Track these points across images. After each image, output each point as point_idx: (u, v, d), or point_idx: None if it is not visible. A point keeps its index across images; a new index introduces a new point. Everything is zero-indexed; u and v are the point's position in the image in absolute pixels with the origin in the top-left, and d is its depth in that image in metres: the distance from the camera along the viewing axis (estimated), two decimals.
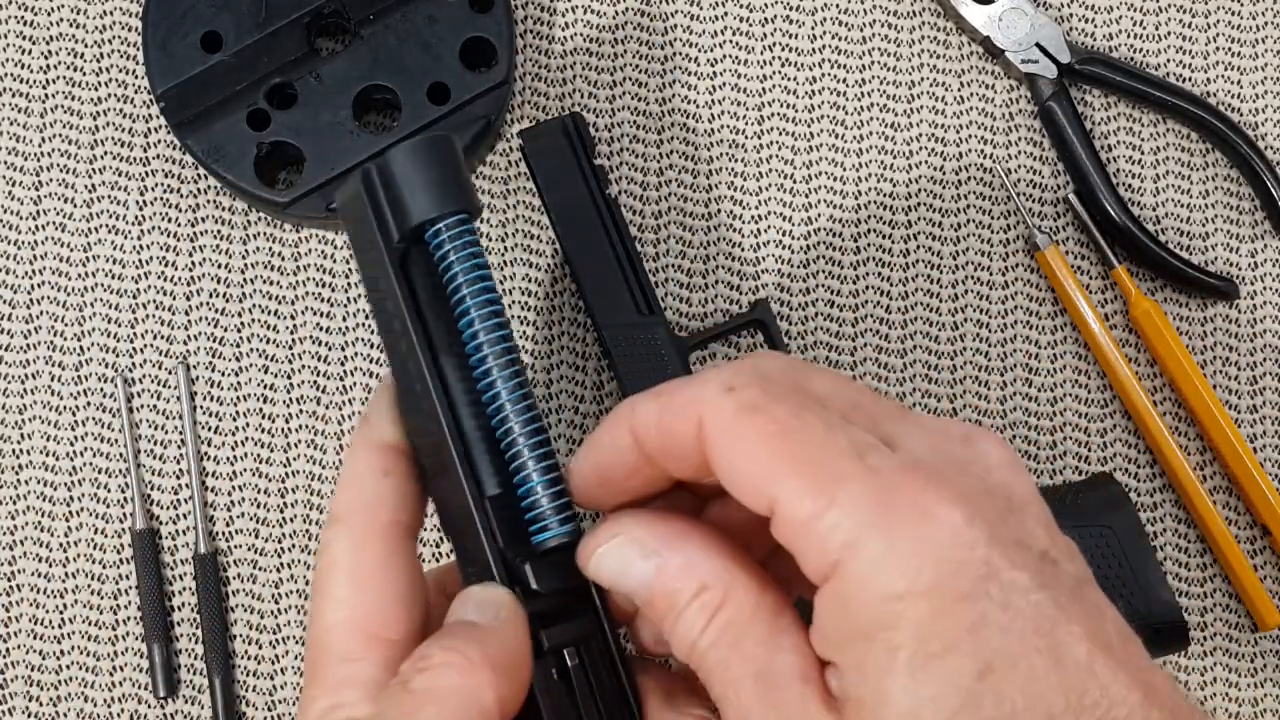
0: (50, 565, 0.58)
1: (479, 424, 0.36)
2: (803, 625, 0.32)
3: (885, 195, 0.61)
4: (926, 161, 0.61)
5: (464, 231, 0.36)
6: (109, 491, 0.58)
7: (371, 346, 0.59)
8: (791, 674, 0.31)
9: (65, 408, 0.59)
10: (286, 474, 0.58)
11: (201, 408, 0.59)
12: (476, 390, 0.36)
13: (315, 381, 0.59)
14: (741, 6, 0.62)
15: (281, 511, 0.58)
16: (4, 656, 0.57)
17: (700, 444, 0.32)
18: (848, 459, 0.30)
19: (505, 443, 0.36)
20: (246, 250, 0.60)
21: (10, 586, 0.58)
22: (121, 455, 0.59)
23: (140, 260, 0.60)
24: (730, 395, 0.32)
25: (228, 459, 0.58)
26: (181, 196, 0.60)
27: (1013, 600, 0.29)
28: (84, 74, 0.61)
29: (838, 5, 0.62)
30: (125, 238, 0.60)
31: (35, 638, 0.57)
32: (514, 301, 0.60)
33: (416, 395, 0.36)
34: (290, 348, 0.59)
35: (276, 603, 0.58)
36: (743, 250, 0.60)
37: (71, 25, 0.61)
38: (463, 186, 0.36)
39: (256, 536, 0.58)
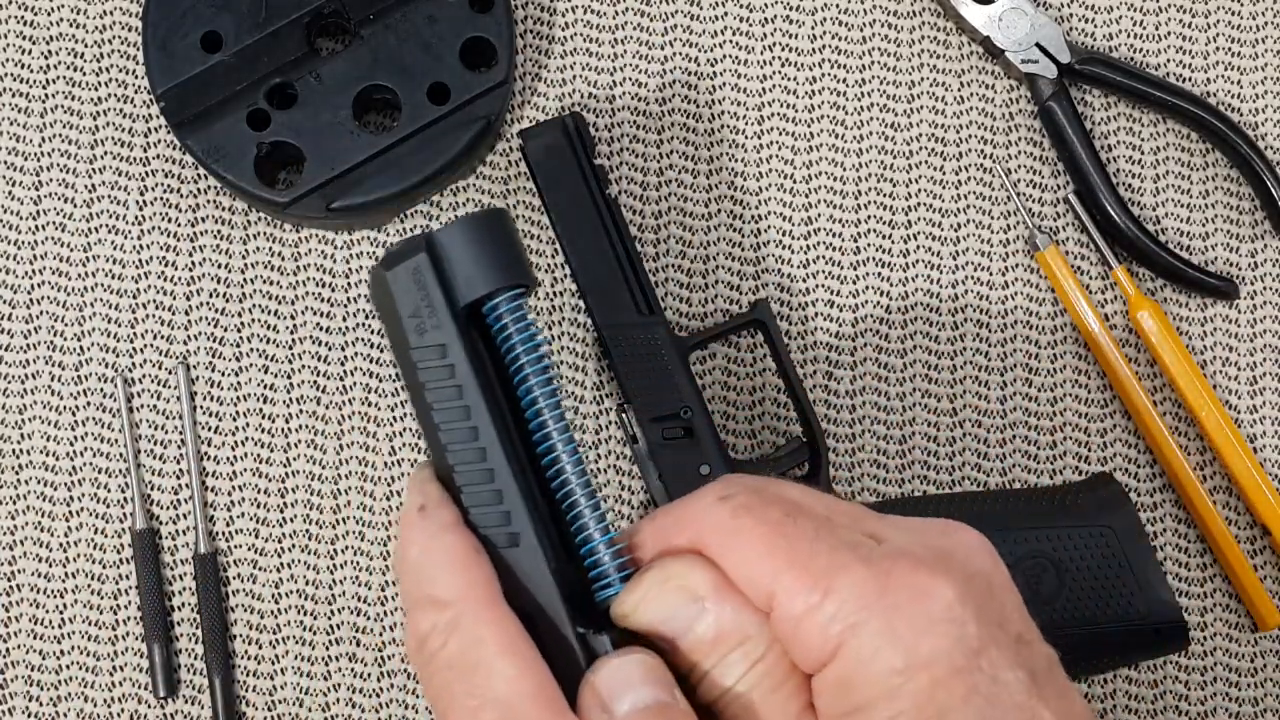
0: (50, 565, 0.58)
1: (539, 496, 0.36)
2: None
3: (885, 195, 0.61)
4: (926, 161, 0.61)
5: (522, 304, 0.36)
6: (109, 491, 0.58)
7: (371, 346, 0.59)
8: None
9: (65, 408, 0.59)
10: (286, 474, 0.58)
11: (201, 408, 0.59)
12: (532, 460, 0.36)
13: (315, 381, 0.59)
14: (741, 6, 0.62)
15: (281, 511, 0.58)
16: (4, 656, 0.57)
17: (699, 538, 0.34)
18: (840, 552, 0.32)
19: (567, 505, 0.36)
20: (246, 250, 0.60)
21: (10, 586, 0.58)
22: (121, 455, 0.59)
23: (140, 260, 0.60)
24: (724, 503, 0.34)
25: (228, 459, 0.58)
26: (181, 196, 0.60)
27: (1000, 675, 0.32)
28: (84, 74, 0.61)
29: (838, 5, 0.62)
30: (125, 238, 0.60)
31: (35, 638, 0.57)
32: None
33: (476, 470, 0.36)
34: (290, 348, 0.59)
35: (276, 603, 0.58)
36: (743, 250, 0.60)
37: (71, 25, 0.61)
38: (522, 260, 0.37)
39: (256, 536, 0.58)
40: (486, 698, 0.33)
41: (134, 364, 0.59)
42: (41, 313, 0.59)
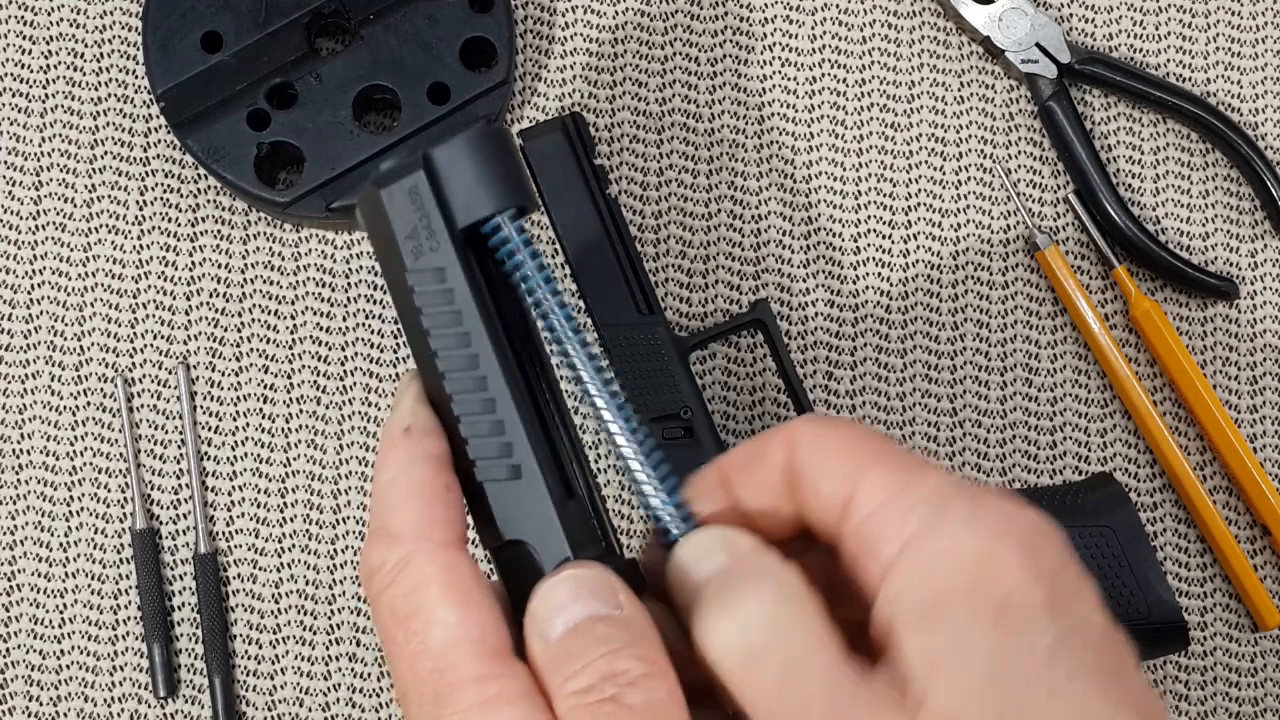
0: (50, 565, 0.58)
1: (544, 426, 0.35)
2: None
3: (885, 195, 0.61)
4: (926, 161, 0.61)
5: (524, 226, 0.35)
6: (109, 491, 0.58)
7: (371, 346, 0.59)
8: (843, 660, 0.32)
9: (65, 408, 0.59)
10: (286, 474, 0.58)
11: (201, 408, 0.59)
12: (549, 389, 0.35)
13: (315, 381, 0.59)
14: (741, 6, 0.62)
15: (281, 511, 0.58)
16: (4, 656, 0.57)
17: (789, 460, 0.34)
18: (926, 462, 0.33)
19: (610, 440, 0.35)
20: (246, 250, 0.60)
21: (10, 586, 0.58)
22: (121, 455, 0.59)
23: (140, 260, 0.60)
24: (811, 418, 0.34)
25: (228, 459, 0.58)
26: (181, 196, 0.60)
27: (1082, 600, 0.31)
28: (84, 74, 0.61)
29: (838, 5, 0.62)
30: (125, 238, 0.60)
31: (35, 638, 0.57)
32: None
33: (475, 399, 0.34)
34: (290, 348, 0.59)
35: (276, 603, 0.58)
36: (743, 250, 0.60)
37: (71, 25, 0.61)
38: (524, 181, 0.35)
39: (256, 536, 0.58)
40: (424, 646, 0.32)
41: (134, 364, 0.59)
42: (41, 313, 0.59)
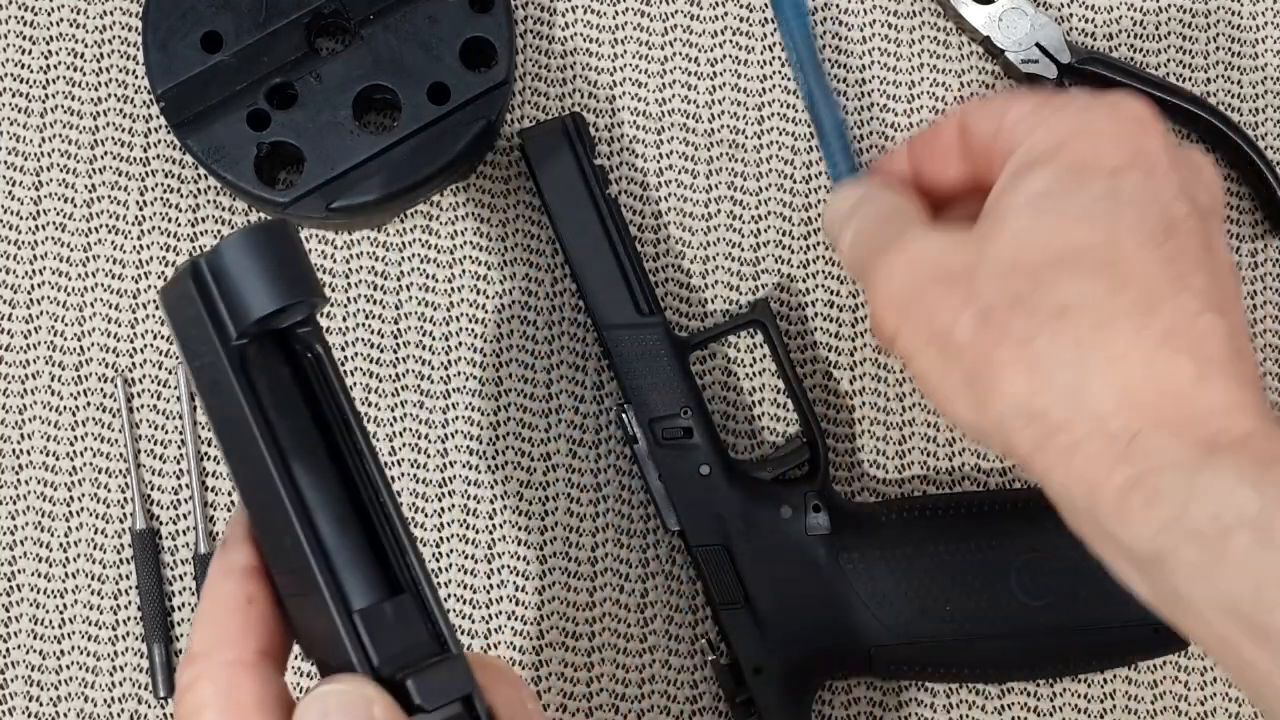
0: (50, 565, 0.58)
1: (343, 531, 0.33)
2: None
3: None
4: None
5: (313, 320, 0.34)
6: (109, 491, 0.58)
7: (371, 346, 0.59)
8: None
9: (65, 408, 0.59)
10: None
11: (202, 408, 0.59)
12: (346, 494, 0.34)
13: None
14: (741, 6, 0.62)
15: None
16: (4, 656, 0.57)
17: (961, 120, 0.46)
18: (1075, 93, 0.44)
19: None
20: None
21: (10, 586, 0.58)
22: (121, 455, 0.59)
23: (140, 260, 0.60)
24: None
25: None
26: (181, 196, 0.60)
27: (1160, 178, 0.40)
28: (84, 74, 0.61)
29: (838, 5, 0.62)
30: (125, 238, 0.60)
31: (35, 638, 0.57)
32: (514, 301, 0.60)
33: (268, 509, 0.33)
34: None
35: None
36: (743, 250, 0.60)
37: (71, 25, 0.61)
38: (307, 274, 0.33)
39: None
40: None
41: (134, 364, 0.59)
42: (41, 313, 0.59)
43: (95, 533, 0.58)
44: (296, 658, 0.35)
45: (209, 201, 0.60)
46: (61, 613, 0.58)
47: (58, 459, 0.59)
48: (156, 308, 0.59)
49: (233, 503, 0.58)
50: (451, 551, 0.58)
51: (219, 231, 0.60)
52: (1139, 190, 0.39)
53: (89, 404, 0.59)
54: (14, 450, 0.59)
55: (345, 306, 0.59)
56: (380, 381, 0.59)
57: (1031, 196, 0.40)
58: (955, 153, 0.46)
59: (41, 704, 0.57)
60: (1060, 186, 0.39)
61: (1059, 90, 0.42)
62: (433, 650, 0.34)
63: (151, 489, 0.58)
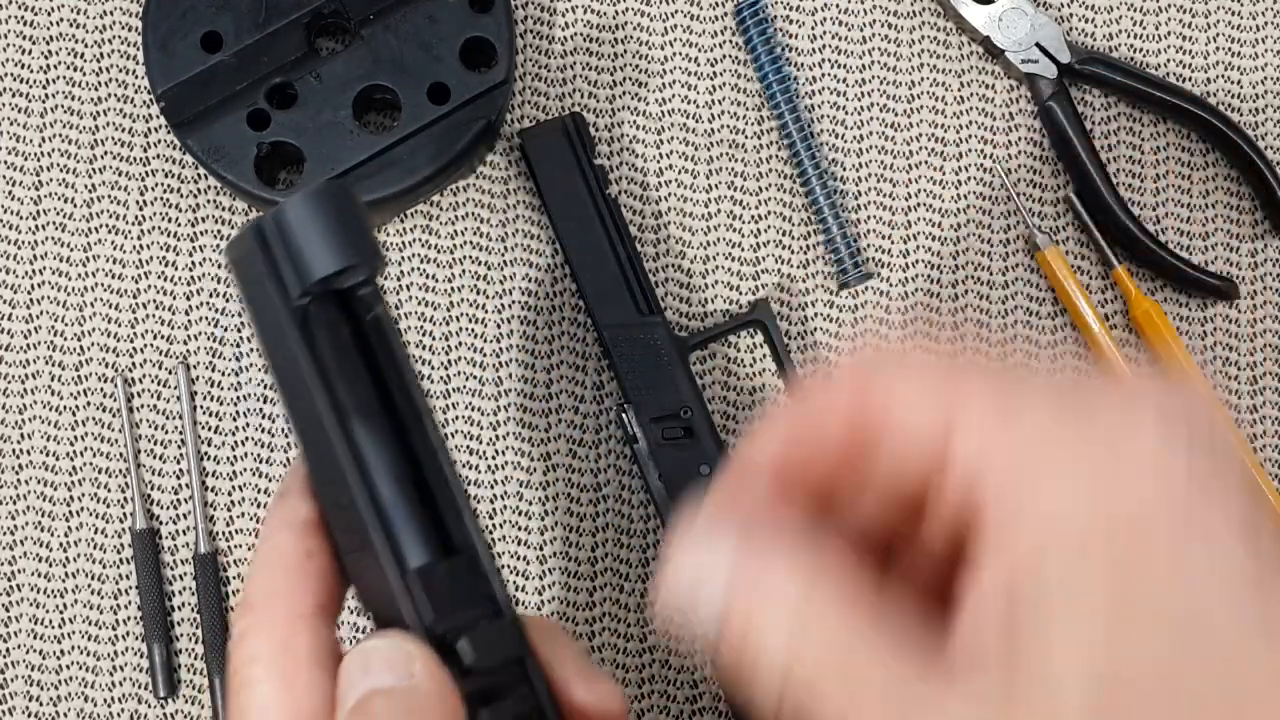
0: (50, 565, 0.58)
1: (400, 490, 0.34)
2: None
3: (885, 195, 0.61)
4: (926, 161, 0.61)
5: (373, 283, 0.34)
6: (109, 491, 0.58)
7: None
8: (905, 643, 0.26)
9: (65, 408, 0.59)
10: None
11: (201, 408, 0.59)
12: (403, 454, 0.34)
13: None
14: None
15: None
16: (4, 656, 0.57)
17: (857, 408, 0.29)
18: (1024, 379, 0.28)
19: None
20: None
21: (10, 586, 0.58)
22: (121, 455, 0.59)
23: (140, 260, 0.60)
24: (880, 351, 0.31)
25: (228, 459, 0.58)
26: (181, 196, 0.60)
27: (1215, 532, 0.25)
28: (84, 74, 0.61)
29: (838, 5, 0.62)
30: (125, 238, 0.60)
31: (35, 638, 0.57)
32: (514, 301, 0.60)
33: (327, 465, 0.33)
34: None
35: None
36: (743, 250, 0.60)
37: (71, 25, 0.61)
38: (368, 236, 0.34)
39: (256, 537, 0.58)
40: (244, 717, 0.32)
41: (134, 364, 0.59)
42: (41, 313, 0.59)
43: (95, 533, 0.58)
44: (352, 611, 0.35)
45: (209, 201, 0.60)
46: (61, 613, 0.58)
47: (58, 459, 0.59)
48: (156, 308, 0.59)
49: (232, 503, 0.58)
50: None
51: (219, 231, 0.60)
52: (1234, 593, 0.25)
53: (89, 404, 0.59)
54: (14, 450, 0.59)
55: None
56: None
57: (1090, 668, 0.24)
58: (846, 459, 0.29)
59: (41, 704, 0.57)
60: (1127, 632, 0.24)
61: (1008, 382, 0.28)
62: (486, 612, 0.34)
63: (151, 489, 0.58)
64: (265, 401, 0.59)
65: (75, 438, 0.59)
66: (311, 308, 0.34)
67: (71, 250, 0.60)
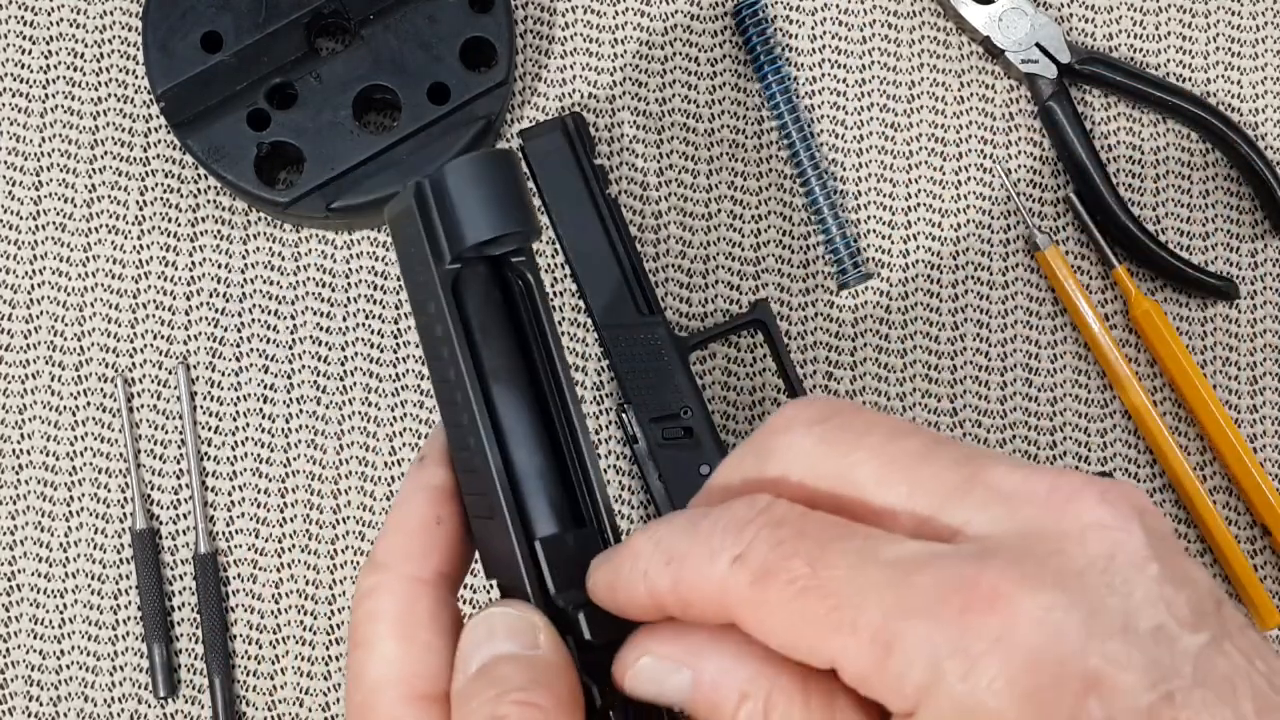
0: (50, 565, 0.58)
1: (534, 459, 0.34)
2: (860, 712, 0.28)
3: (885, 195, 0.61)
4: (926, 161, 0.61)
5: (528, 251, 0.34)
6: (109, 491, 0.58)
7: (371, 346, 0.59)
8: None
9: (65, 408, 0.59)
10: (286, 474, 0.58)
11: (201, 408, 0.59)
12: (541, 423, 0.34)
13: (315, 381, 0.59)
14: None
15: (281, 511, 0.58)
16: (4, 656, 0.57)
17: (726, 612, 0.29)
18: (888, 590, 0.27)
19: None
20: (246, 250, 0.60)
21: (10, 586, 0.58)
22: (121, 455, 0.59)
23: (140, 260, 0.60)
24: (740, 566, 0.28)
25: (228, 459, 0.58)
26: (181, 196, 0.60)
27: (1118, 692, 0.25)
28: (84, 74, 0.61)
29: (838, 5, 0.62)
30: (125, 238, 0.60)
31: (35, 638, 0.57)
32: None
33: (463, 429, 0.33)
34: (290, 348, 0.59)
35: (276, 603, 0.58)
36: (743, 250, 0.60)
37: (71, 25, 0.61)
38: (525, 205, 0.34)
39: (256, 536, 0.58)
40: (360, 676, 0.32)
41: (134, 364, 0.59)
42: (41, 313, 0.59)
43: (95, 533, 0.58)
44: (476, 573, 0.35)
45: (209, 201, 0.60)
46: (61, 613, 0.58)
47: (58, 459, 0.59)
48: (156, 308, 0.59)
49: (232, 503, 0.58)
50: None
51: (219, 231, 0.60)
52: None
53: (89, 404, 0.59)
54: (14, 450, 0.59)
55: (345, 306, 0.59)
56: (380, 381, 0.59)
57: None
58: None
59: (41, 704, 0.57)
60: None
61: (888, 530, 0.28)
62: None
63: (151, 489, 0.58)
64: (265, 402, 0.59)
65: (75, 438, 0.59)
66: (463, 272, 0.34)
67: (71, 250, 0.60)
